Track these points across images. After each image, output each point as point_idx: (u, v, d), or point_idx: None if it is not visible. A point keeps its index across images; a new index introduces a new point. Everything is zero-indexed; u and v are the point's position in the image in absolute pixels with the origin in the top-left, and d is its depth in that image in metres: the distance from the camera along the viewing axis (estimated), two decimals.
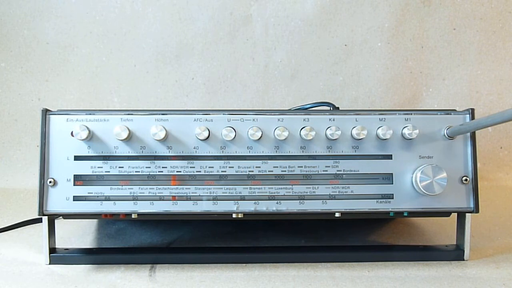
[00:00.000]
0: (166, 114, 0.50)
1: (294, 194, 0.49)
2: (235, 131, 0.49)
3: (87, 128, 0.48)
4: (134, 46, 1.01)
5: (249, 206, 0.49)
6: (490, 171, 1.03)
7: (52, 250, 0.53)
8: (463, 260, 0.54)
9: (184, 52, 1.01)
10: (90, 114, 0.50)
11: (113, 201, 0.49)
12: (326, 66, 1.01)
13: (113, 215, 0.50)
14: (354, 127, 0.49)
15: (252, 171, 0.50)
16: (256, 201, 0.49)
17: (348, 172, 0.50)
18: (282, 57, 1.01)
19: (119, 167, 0.49)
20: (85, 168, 0.49)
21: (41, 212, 0.49)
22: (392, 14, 0.99)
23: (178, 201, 0.49)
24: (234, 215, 0.50)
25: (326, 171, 0.50)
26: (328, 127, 0.49)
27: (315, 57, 1.01)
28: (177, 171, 0.49)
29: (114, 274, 0.50)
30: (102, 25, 1.01)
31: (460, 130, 0.48)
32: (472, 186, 0.50)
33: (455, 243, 0.56)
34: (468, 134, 0.50)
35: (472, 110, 0.51)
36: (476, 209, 0.50)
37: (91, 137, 0.49)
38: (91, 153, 0.49)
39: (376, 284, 0.48)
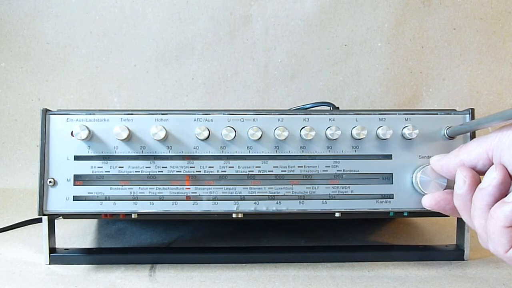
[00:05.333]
0: (166, 114, 0.50)
1: (294, 194, 0.49)
2: (235, 131, 0.49)
3: (87, 128, 0.48)
4: (134, 46, 1.01)
5: (249, 206, 0.49)
6: None
7: (52, 250, 0.53)
8: (463, 260, 0.54)
9: (184, 52, 1.01)
10: (90, 114, 0.50)
11: (113, 201, 0.49)
12: (326, 66, 1.01)
13: (113, 215, 0.50)
14: (354, 127, 0.49)
15: (252, 171, 0.50)
16: (256, 201, 0.49)
17: (348, 172, 0.50)
18: (282, 57, 1.00)
19: (119, 167, 0.49)
20: (85, 168, 0.49)
21: (41, 212, 0.49)
22: (392, 14, 0.99)
23: (178, 201, 0.49)
24: (234, 215, 0.50)
25: (326, 171, 0.50)
26: (328, 127, 0.49)
27: (315, 57, 1.01)
28: (177, 171, 0.49)
29: (114, 274, 0.50)
30: (102, 25, 1.01)
31: (460, 130, 0.48)
32: None
33: (455, 243, 0.56)
34: (468, 134, 0.50)
35: (472, 110, 0.51)
36: None
37: (91, 137, 0.49)
38: (91, 153, 0.49)
39: (376, 284, 0.48)
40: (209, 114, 0.50)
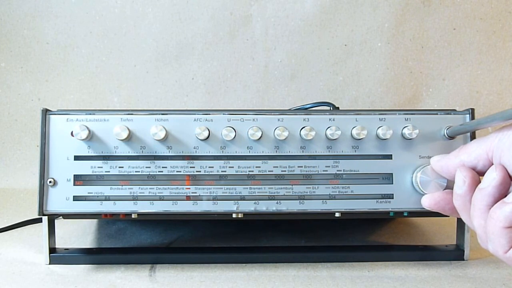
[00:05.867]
0: (166, 114, 0.50)
1: (294, 194, 0.49)
2: (235, 131, 0.49)
3: (87, 128, 0.48)
4: (134, 46, 1.01)
5: (249, 206, 0.49)
6: None
7: (52, 250, 0.53)
8: (463, 260, 0.54)
9: (184, 52, 1.01)
10: (90, 114, 0.50)
11: (113, 201, 0.49)
12: (326, 66, 1.01)
13: (113, 215, 0.50)
14: (354, 127, 0.49)
15: (252, 171, 0.50)
16: (256, 201, 0.49)
17: (348, 172, 0.50)
18: (282, 57, 1.00)
19: (119, 167, 0.49)
20: (85, 168, 0.49)
21: (41, 212, 0.49)
22: (392, 14, 0.99)
23: (178, 201, 0.49)
24: (234, 215, 0.50)
25: (326, 171, 0.50)
26: (328, 127, 0.49)
27: (315, 57, 1.01)
28: (177, 171, 0.49)
29: (114, 274, 0.50)
30: (102, 25, 1.01)
31: (460, 130, 0.48)
32: None
33: (455, 243, 0.56)
34: (468, 134, 0.50)
35: (472, 110, 0.51)
36: None
37: (91, 137, 0.49)
38: (91, 153, 0.49)
39: (376, 284, 0.48)
40: (209, 114, 0.50)
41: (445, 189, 0.47)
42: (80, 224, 0.68)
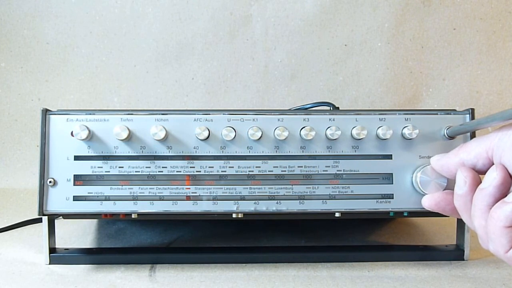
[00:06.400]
0: (166, 114, 0.50)
1: (294, 194, 0.49)
2: (235, 131, 0.49)
3: (87, 128, 0.48)
4: (134, 46, 1.01)
5: (249, 206, 0.49)
6: None
7: (52, 250, 0.53)
8: (463, 260, 0.54)
9: (184, 52, 1.01)
10: (90, 114, 0.50)
11: (113, 201, 0.49)
12: (326, 66, 1.01)
13: (113, 215, 0.50)
14: (354, 127, 0.49)
15: (252, 171, 0.50)
16: (256, 201, 0.49)
17: (348, 172, 0.50)
18: (282, 57, 1.01)
19: (119, 167, 0.49)
20: (85, 168, 0.49)
21: (41, 212, 0.49)
22: (392, 14, 0.99)
23: (178, 201, 0.49)
24: (234, 215, 0.50)
25: (326, 171, 0.50)
26: (328, 127, 0.49)
27: (315, 57, 1.01)
28: (177, 171, 0.49)
29: (114, 274, 0.50)
30: (102, 25, 1.01)
31: (460, 130, 0.48)
32: None
33: (455, 243, 0.56)
34: (468, 134, 0.50)
35: (472, 110, 0.51)
36: None
37: (91, 137, 0.49)
38: (91, 153, 0.49)
39: (376, 284, 0.48)
40: (209, 114, 0.50)
41: (445, 189, 0.47)
42: (80, 224, 0.68)
